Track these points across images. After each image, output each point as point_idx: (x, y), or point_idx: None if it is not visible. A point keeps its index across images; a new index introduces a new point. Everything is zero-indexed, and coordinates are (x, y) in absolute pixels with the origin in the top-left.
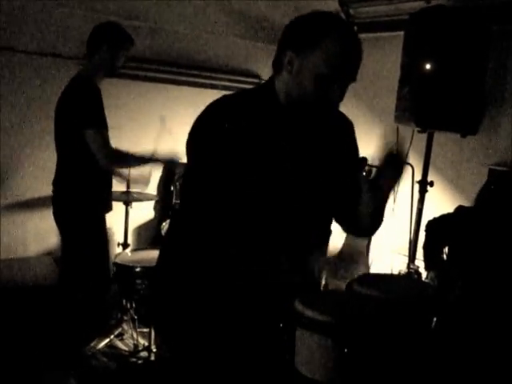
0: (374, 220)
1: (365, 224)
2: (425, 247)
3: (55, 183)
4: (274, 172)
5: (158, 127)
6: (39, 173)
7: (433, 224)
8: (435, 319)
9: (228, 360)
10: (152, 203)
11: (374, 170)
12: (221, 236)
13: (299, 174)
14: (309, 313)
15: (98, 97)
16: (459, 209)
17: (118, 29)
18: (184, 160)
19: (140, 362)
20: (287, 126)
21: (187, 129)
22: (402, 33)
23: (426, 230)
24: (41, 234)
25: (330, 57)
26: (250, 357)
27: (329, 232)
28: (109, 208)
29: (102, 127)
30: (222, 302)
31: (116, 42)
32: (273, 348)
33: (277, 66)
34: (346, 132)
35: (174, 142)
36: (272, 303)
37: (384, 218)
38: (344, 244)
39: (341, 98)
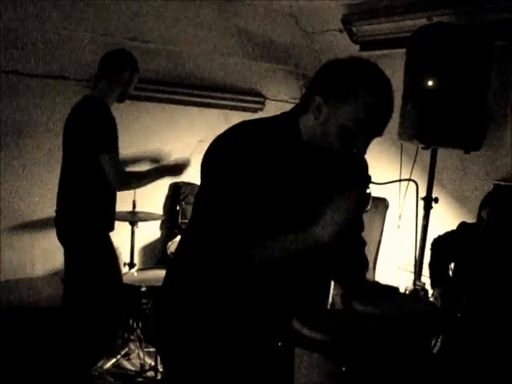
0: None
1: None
2: (430, 265)
3: (58, 201)
4: (287, 202)
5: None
6: (46, 193)
7: (438, 242)
8: (438, 339)
9: (229, 379)
10: (158, 223)
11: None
12: (234, 260)
13: (311, 207)
14: (307, 332)
15: (113, 119)
16: (462, 225)
17: (128, 55)
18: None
19: (147, 381)
20: (306, 161)
21: (190, 149)
22: (404, 50)
23: (431, 249)
24: (48, 254)
25: (360, 115)
26: (250, 375)
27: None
28: (110, 227)
29: (115, 151)
30: (225, 321)
31: (136, 69)
32: (272, 367)
33: (303, 105)
34: (359, 170)
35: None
36: (271, 322)
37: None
38: None
39: (364, 152)
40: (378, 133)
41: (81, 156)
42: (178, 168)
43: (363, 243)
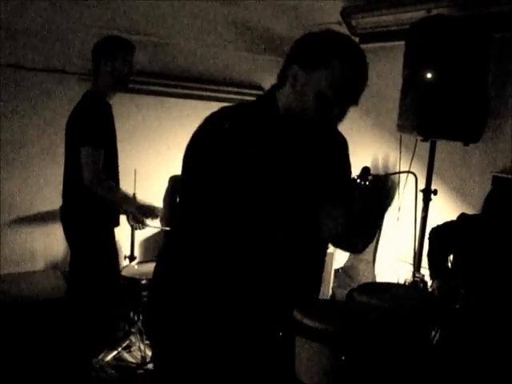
0: (362, 238)
1: (353, 240)
2: (429, 255)
3: (64, 198)
4: (270, 180)
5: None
6: (47, 187)
7: (436, 232)
8: (437, 329)
9: (228, 369)
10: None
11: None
12: (220, 244)
13: (294, 183)
14: (308, 321)
15: (104, 114)
16: (462, 216)
17: (112, 39)
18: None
19: (148, 374)
20: (285, 136)
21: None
22: (403, 42)
23: (429, 238)
24: (48, 247)
25: (335, 79)
26: (250, 365)
27: (326, 243)
28: (116, 223)
29: (97, 145)
30: (221, 310)
31: (111, 52)
32: (273, 356)
33: (281, 78)
34: (339, 149)
35: (173, 157)
36: (271, 312)
37: (373, 238)
38: (350, 254)
39: (340, 119)
40: (354, 100)
41: (76, 150)
42: (148, 211)
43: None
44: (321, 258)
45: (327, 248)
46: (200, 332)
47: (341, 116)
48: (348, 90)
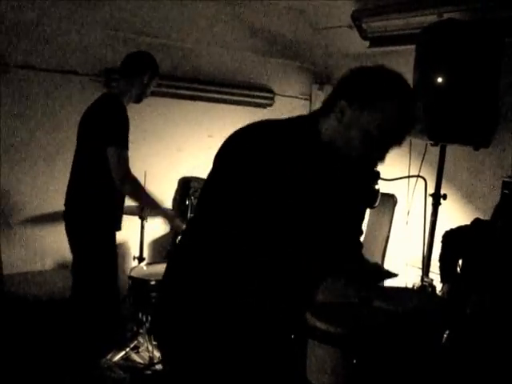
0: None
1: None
2: (441, 259)
3: (68, 197)
4: (303, 207)
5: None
6: (55, 187)
7: (449, 235)
8: (447, 333)
9: (240, 372)
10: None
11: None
12: (238, 258)
13: (324, 212)
14: (320, 324)
15: (126, 116)
16: (476, 221)
17: (154, 60)
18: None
19: (155, 374)
20: (323, 164)
21: (200, 144)
22: (413, 46)
23: (442, 241)
24: (57, 247)
25: (384, 121)
26: (262, 367)
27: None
28: (118, 227)
29: (124, 146)
30: (233, 314)
31: (154, 72)
32: (284, 359)
33: (327, 108)
34: (371, 180)
35: (183, 159)
36: (282, 316)
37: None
38: None
39: (383, 160)
40: (398, 142)
41: (92, 151)
42: (171, 221)
43: (361, 245)
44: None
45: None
46: (211, 336)
47: (383, 155)
48: (396, 132)
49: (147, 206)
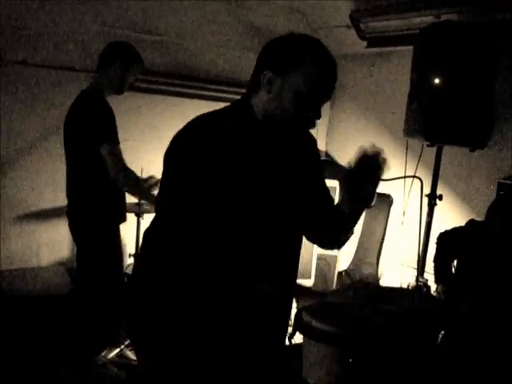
0: (342, 233)
1: (332, 236)
2: (435, 260)
3: (69, 195)
4: (249, 185)
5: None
6: (52, 183)
7: (444, 237)
8: (442, 333)
9: (233, 370)
10: None
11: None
12: (198, 244)
13: (273, 186)
14: (316, 324)
15: (108, 111)
16: (470, 223)
17: (132, 49)
18: None
19: None
20: (263, 141)
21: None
22: (411, 47)
23: (437, 243)
24: (53, 243)
25: (310, 78)
26: (256, 366)
27: (300, 241)
28: (123, 218)
29: (115, 141)
30: (205, 303)
31: (129, 60)
32: (280, 357)
33: (254, 84)
34: (311, 148)
35: None
36: (262, 301)
37: (352, 234)
38: (354, 257)
39: (319, 116)
40: (328, 96)
41: (83, 150)
42: None
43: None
44: (297, 252)
45: (301, 241)
46: (188, 334)
47: (318, 114)
48: (323, 86)
49: (146, 200)
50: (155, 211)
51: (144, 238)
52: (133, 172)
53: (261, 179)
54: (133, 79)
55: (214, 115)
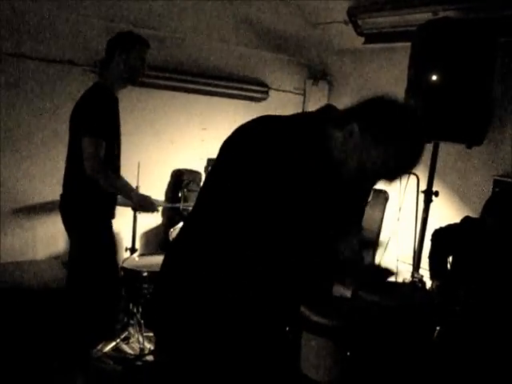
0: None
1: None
2: (430, 256)
3: (64, 187)
4: (307, 217)
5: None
6: (48, 177)
7: (439, 233)
8: (438, 328)
9: (234, 363)
10: (160, 209)
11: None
12: (237, 257)
13: (323, 224)
14: (314, 317)
15: (108, 106)
16: (466, 219)
17: (129, 34)
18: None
19: (146, 365)
20: (332, 180)
21: (193, 137)
22: (408, 44)
23: (431, 239)
24: (49, 237)
25: (383, 164)
26: (256, 360)
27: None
28: (112, 215)
29: (98, 136)
30: (229, 307)
31: (128, 45)
32: (279, 351)
33: (338, 121)
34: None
35: (177, 151)
36: (278, 310)
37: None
38: None
39: (370, 191)
40: (393, 181)
41: (77, 142)
42: (146, 205)
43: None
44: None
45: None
46: (206, 328)
47: (372, 187)
48: (395, 173)
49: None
50: (195, 207)
51: (179, 240)
52: (106, 171)
53: (318, 215)
54: (141, 63)
55: (287, 127)
